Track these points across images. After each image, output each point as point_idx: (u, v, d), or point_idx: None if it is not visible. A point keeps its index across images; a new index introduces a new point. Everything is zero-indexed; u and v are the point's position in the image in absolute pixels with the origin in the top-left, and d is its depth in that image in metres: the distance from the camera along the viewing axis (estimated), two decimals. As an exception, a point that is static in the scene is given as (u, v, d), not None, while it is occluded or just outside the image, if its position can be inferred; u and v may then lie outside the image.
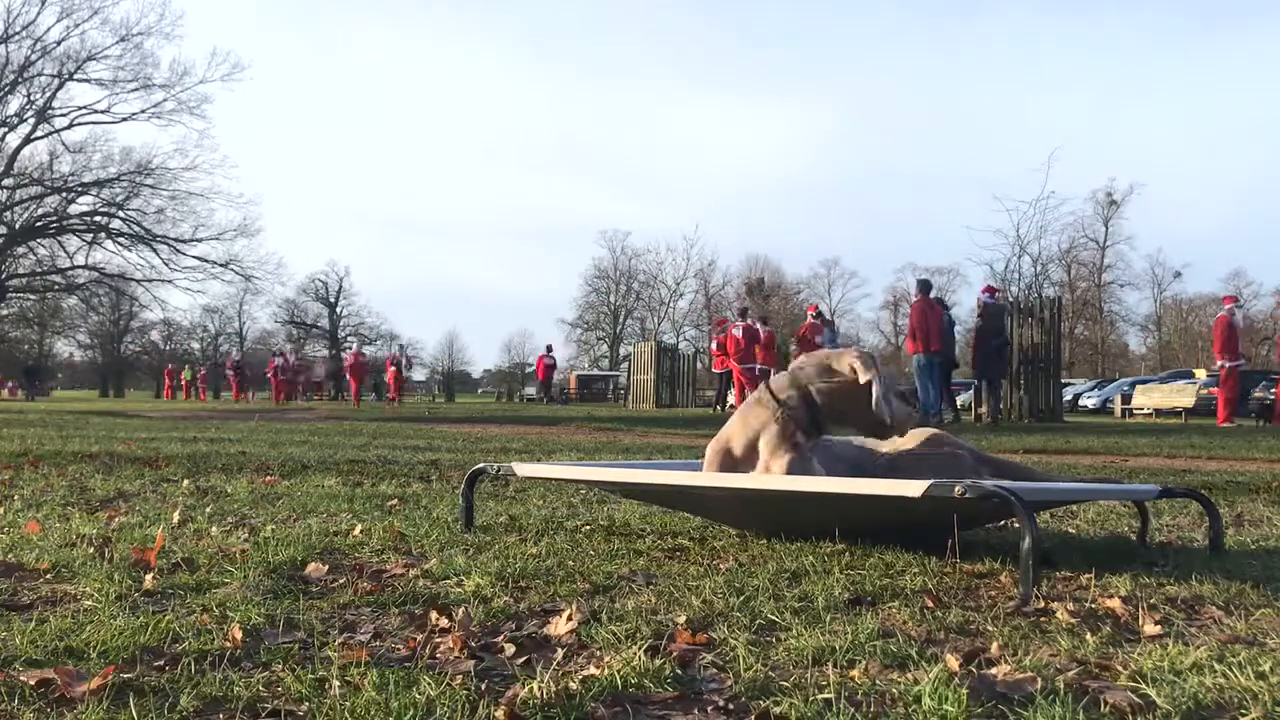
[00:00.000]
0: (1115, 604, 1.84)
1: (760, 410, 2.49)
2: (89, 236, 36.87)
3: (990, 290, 14.93)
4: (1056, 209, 26.75)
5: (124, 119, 34.78)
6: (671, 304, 59.06)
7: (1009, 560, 2.30)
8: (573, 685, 1.34)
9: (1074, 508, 3.47)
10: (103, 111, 34.77)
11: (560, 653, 1.53)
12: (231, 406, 23.99)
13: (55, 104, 34.62)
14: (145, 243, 35.96)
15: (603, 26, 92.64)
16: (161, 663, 1.44)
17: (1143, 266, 54.09)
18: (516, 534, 2.74)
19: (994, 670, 1.43)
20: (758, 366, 16.18)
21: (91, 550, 2.29)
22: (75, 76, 34.04)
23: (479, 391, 55.36)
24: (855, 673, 1.41)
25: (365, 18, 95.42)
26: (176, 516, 2.92)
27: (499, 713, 1.24)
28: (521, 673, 1.42)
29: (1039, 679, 1.37)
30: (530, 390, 60.63)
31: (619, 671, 1.39)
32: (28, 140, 34.87)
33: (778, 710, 1.26)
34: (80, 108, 35.01)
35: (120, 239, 36.32)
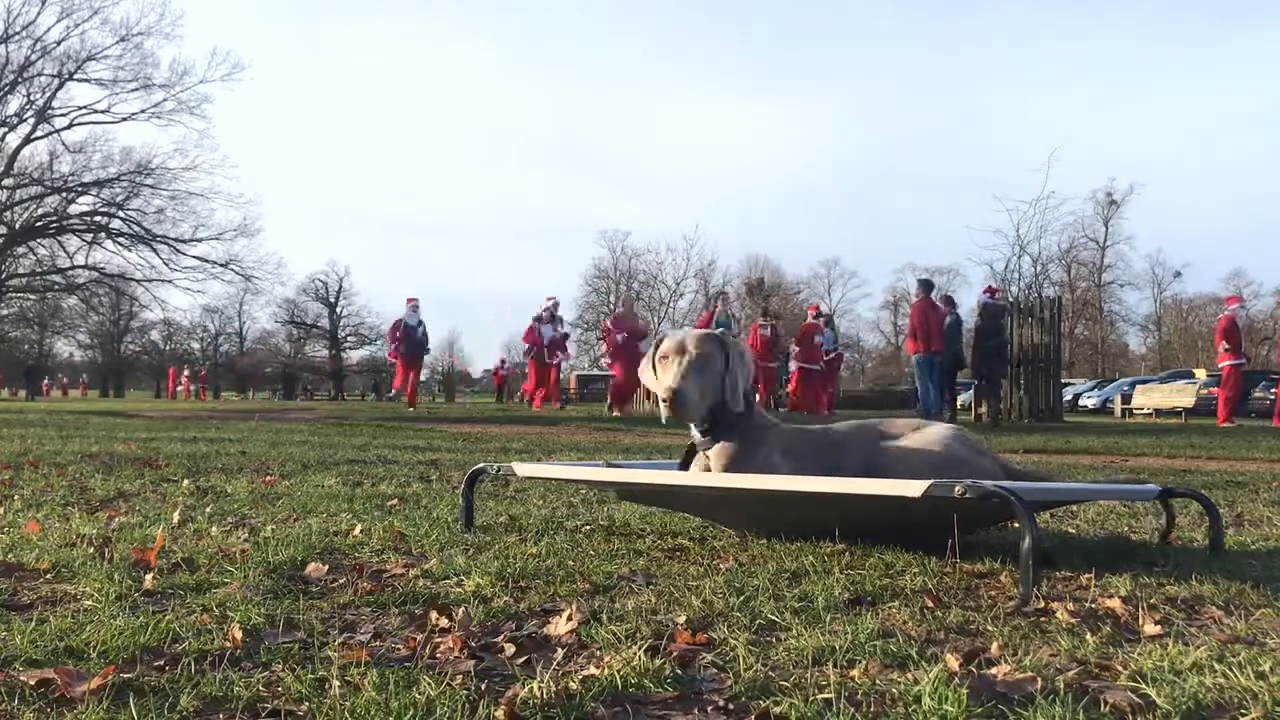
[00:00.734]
0: (1115, 604, 1.84)
1: None
2: (89, 236, 36.92)
3: (990, 290, 14.93)
4: (1056, 209, 26.76)
5: (124, 119, 34.87)
6: (671, 304, 59.08)
7: (1009, 560, 2.30)
8: (573, 685, 1.34)
9: (1074, 508, 3.47)
10: (103, 111, 34.84)
11: (560, 653, 1.53)
12: (231, 406, 23.97)
13: (55, 104, 34.70)
14: (145, 243, 36.00)
15: (602, 26, 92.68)
16: (161, 663, 1.44)
17: (1143, 266, 54.18)
18: (516, 534, 2.74)
19: (994, 670, 1.43)
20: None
21: (91, 550, 2.29)
22: (75, 76, 34.11)
23: (476, 389, 55.45)
24: (855, 673, 1.41)
25: (365, 17, 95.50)
26: (176, 516, 2.92)
27: (499, 713, 1.24)
28: (521, 673, 1.42)
29: (1039, 679, 1.37)
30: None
31: (619, 671, 1.39)
32: (28, 140, 34.92)
33: (778, 710, 1.26)
34: (80, 108, 35.09)
35: (120, 239, 36.37)
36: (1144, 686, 1.36)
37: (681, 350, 2.50)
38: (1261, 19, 75.31)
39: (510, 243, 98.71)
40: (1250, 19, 76.98)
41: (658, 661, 1.44)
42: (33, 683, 1.32)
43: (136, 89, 34.40)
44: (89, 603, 1.80)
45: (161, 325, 56.63)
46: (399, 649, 1.54)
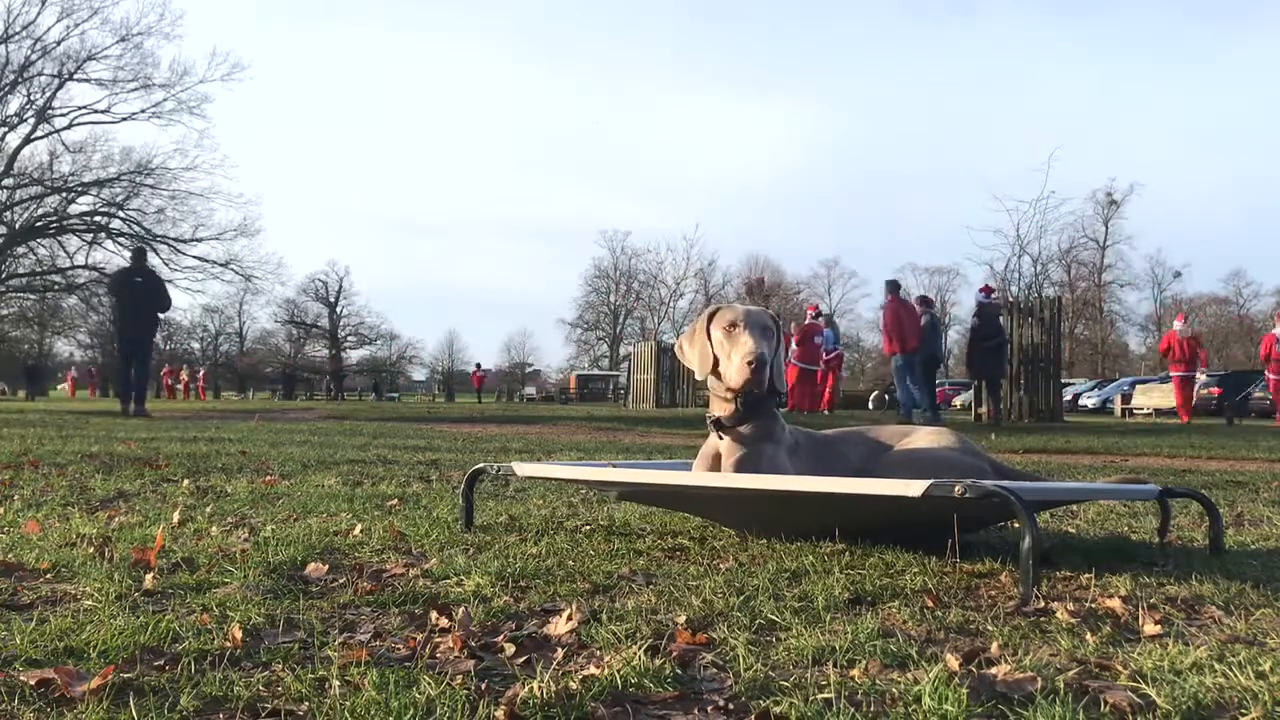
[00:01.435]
0: (1115, 604, 1.84)
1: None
2: (89, 236, 36.87)
3: (986, 290, 14.93)
4: (1056, 209, 26.83)
5: (124, 119, 34.78)
6: (671, 304, 59.12)
7: (1009, 560, 2.30)
8: (573, 685, 1.34)
9: (1074, 508, 3.47)
10: (103, 111, 34.78)
11: (560, 652, 1.53)
12: (231, 406, 23.97)
13: (55, 104, 34.63)
14: (145, 242, 35.94)
15: (603, 27, 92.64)
16: (161, 662, 1.44)
17: (1143, 266, 54.27)
18: (516, 534, 2.74)
19: (994, 670, 1.43)
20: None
21: (91, 550, 2.29)
22: (75, 76, 34.04)
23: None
24: (855, 672, 1.41)
25: (365, 17, 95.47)
26: (176, 516, 2.92)
27: (499, 712, 1.24)
28: (521, 672, 1.42)
29: (1039, 679, 1.37)
30: (530, 390, 60.61)
31: (619, 671, 1.39)
32: (28, 140, 34.87)
33: (778, 710, 1.26)
34: (80, 108, 35.03)
35: (120, 239, 36.30)
36: (1144, 686, 1.36)
37: (757, 322, 2.49)
38: (1261, 20, 75.35)
39: (510, 243, 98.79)
40: (1250, 19, 77.00)
41: (658, 661, 1.44)
42: (33, 683, 1.32)
43: (136, 89, 34.36)
44: (89, 603, 1.80)
45: (161, 325, 56.65)
46: (399, 649, 1.54)
